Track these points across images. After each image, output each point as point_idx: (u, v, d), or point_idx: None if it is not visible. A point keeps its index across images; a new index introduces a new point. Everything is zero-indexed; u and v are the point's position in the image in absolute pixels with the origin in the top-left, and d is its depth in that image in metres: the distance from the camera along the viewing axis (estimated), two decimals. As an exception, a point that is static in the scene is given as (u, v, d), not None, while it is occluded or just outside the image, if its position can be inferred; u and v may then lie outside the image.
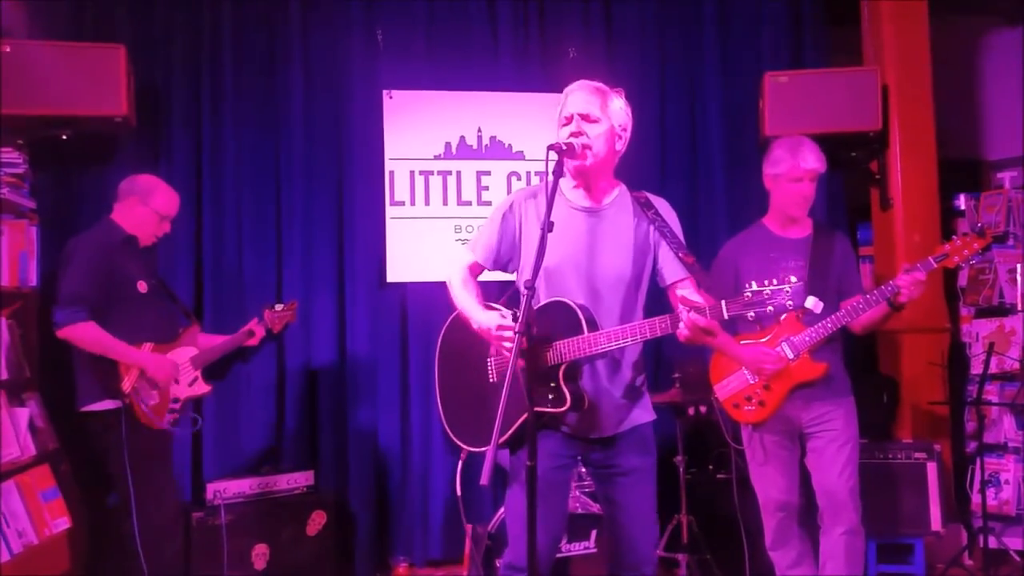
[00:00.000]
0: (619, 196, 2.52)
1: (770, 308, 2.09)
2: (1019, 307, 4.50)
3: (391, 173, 4.50)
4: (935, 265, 3.01)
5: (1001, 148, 5.20)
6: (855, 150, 4.63)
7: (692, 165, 4.78)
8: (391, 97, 4.51)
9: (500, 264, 2.56)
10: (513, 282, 2.67)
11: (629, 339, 2.29)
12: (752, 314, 2.13)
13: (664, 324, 2.26)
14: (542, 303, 2.41)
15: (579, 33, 4.67)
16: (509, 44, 4.64)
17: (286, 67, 4.43)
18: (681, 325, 2.20)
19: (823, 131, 4.34)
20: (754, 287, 2.12)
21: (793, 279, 2.10)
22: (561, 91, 4.61)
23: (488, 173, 4.61)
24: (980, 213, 4.73)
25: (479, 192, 4.60)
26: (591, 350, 2.31)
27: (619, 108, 2.45)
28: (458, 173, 4.58)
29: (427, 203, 4.53)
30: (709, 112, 4.76)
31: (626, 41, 4.73)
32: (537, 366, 2.32)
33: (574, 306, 2.35)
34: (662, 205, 2.53)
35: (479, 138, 4.61)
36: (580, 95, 2.43)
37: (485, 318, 2.41)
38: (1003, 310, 4.57)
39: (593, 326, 2.33)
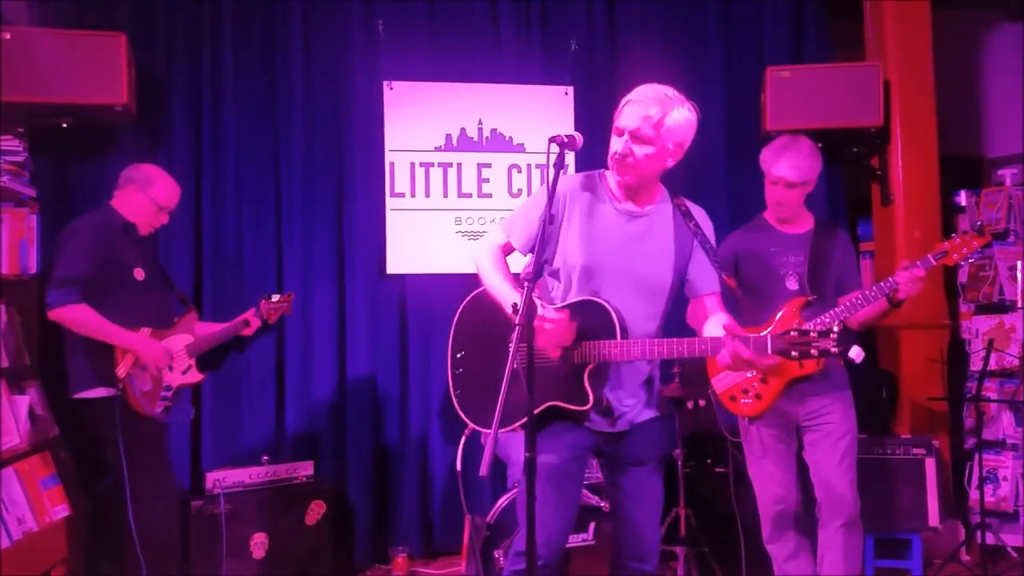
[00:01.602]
0: (662, 202, 2.47)
1: (814, 352, 2.09)
2: (1019, 304, 4.50)
3: (391, 164, 4.50)
4: (934, 263, 3.00)
5: (1002, 145, 5.20)
6: (856, 145, 4.64)
7: (693, 158, 4.75)
8: (392, 88, 4.50)
9: (533, 250, 2.47)
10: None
11: (666, 354, 2.28)
12: (796, 353, 2.12)
13: (704, 346, 2.25)
14: (575, 299, 2.37)
15: (581, 25, 4.66)
16: (511, 36, 4.63)
17: (287, 57, 4.42)
18: (723, 352, 2.20)
19: (824, 126, 4.35)
20: (801, 328, 2.13)
21: (835, 328, 2.11)
22: (562, 84, 4.60)
23: (489, 165, 4.61)
24: (980, 210, 4.73)
25: (479, 184, 4.60)
26: (621, 357, 2.30)
27: (677, 124, 2.31)
28: (459, 165, 4.58)
29: (427, 195, 4.53)
30: (710, 106, 4.72)
31: (628, 34, 4.71)
32: (563, 361, 2.32)
33: (610, 309, 2.31)
34: (700, 214, 2.50)
35: (480, 130, 4.61)
36: (639, 109, 2.29)
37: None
38: (1003, 307, 4.57)
39: (625, 333, 2.31)
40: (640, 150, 2.31)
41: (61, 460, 3.64)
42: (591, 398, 2.31)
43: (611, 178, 2.44)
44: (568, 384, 2.33)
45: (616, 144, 2.34)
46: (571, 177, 2.51)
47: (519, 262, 2.67)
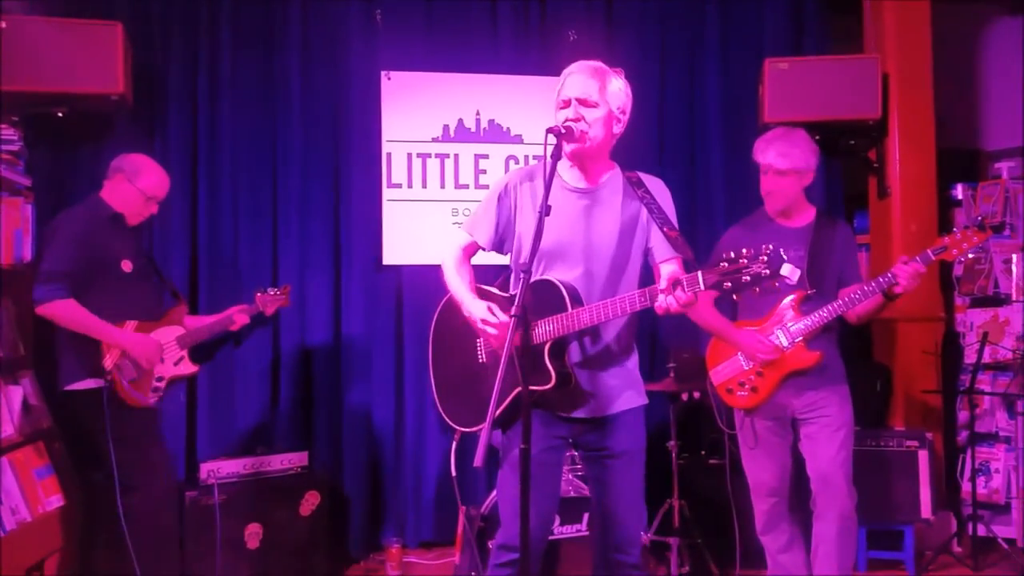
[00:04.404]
0: (612, 177, 2.51)
1: (746, 278, 2.06)
2: (1014, 297, 4.52)
3: (388, 155, 4.49)
4: (933, 258, 2.99)
5: (999, 138, 5.19)
6: (854, 138, 4.63)
7: (691, 150, 4.77)
8: (389, 78, 4.49)
9: (498, 245, 2.56)
10: (507, 265, 2.66)
11: (610, 314, 2.31)
12: (729, 284, 2.08)
13: (643, 297, 2.26)
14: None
15: (579, 16, 4.64)
16: (509, 26, 4.62)
17: (284, 47, 4.40)
18: (661, 298, 2.19)
19: (822, 118, 4.34)
20: (732, 255, 2.09)
21: (769, 246, 2.06)
22: (560, 75, 4.59)
23: (486, 156, 4.60)
24: (977, 203, 4.74)
25: (477, 175, 4.58)
26: (573, 327, 2.33)
27: (618, 90, 2.42)
28: (456, 156, 4.57)
29: (424, 186, 4.52)
30: (708, 97, 4.75)
31: (626, 25, 4.71)
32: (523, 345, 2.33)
33: (558, 283, 2.37)
34: (654, 184, 2.51)
35: (477, 121, 4.60)
36: (578, 78, 2.40)
37: (474, 308, 2.44)
38: (998, 300, 4.59)
39: (577, 303, 2.35)
40: (591, 114, 2.38)
41: (55, 450, 3.64)
42: (553, 375, 2.34)
43: (563, 159, 2.45)
44: (533, 368, 2.35)
45: (563, 114, 2.39)
46: (513, 172, 2.59)
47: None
